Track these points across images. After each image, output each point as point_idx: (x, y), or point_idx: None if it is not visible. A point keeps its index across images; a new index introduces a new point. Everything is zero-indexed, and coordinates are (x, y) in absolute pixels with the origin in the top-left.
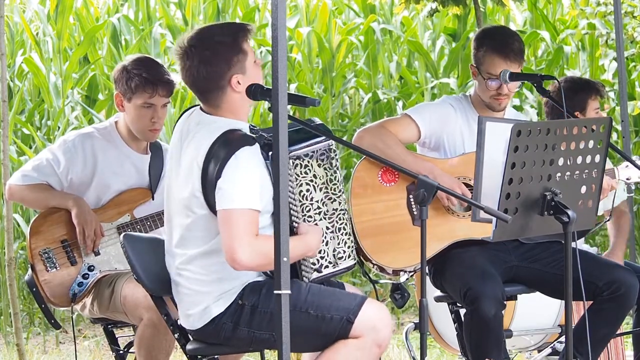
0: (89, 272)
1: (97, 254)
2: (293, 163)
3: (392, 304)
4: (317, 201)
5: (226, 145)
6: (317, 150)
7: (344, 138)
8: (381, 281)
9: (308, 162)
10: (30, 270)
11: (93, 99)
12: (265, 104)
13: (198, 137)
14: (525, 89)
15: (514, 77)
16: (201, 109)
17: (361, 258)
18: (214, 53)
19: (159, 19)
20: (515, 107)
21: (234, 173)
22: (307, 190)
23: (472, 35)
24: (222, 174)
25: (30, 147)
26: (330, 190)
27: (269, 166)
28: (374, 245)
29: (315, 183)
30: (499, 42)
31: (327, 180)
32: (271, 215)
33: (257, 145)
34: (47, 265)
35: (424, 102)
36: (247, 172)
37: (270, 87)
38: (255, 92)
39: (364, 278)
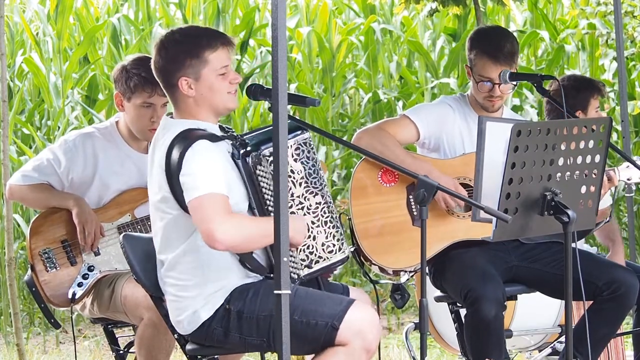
0: (89, 272)
1: (97, 254)
2: (267, 161)
3: (392, 304)
4: (299, 196)
5: (184, 141)
6: (290, 146)
7: (344, 138)
8: (381, 281)
9: (287, 162)
10: (30, 271)
11: (93, 99)
12: (266, 104)
13: (162, 140)
14: (525, 89)
15: (514, 77)
16: (169, 115)
17: (361, 259)
18: (170, 50)
19: (159, 19)
20: (515, 107)
21: (192, 163)
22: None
23: None
24: (182, 166)
25: (30, 147)
26: (311, 184)
27: (240, 165)
28: (374, 246)
29: (294, 178)
30: (490, 45)
31: (305, 174)
32: (248, 211)
33: (220, 143)
34: (47, 265)
35: (423, 103)
36: (205, 160)
37: (270, 87)
38: (255, 92)
39: (364, 278)
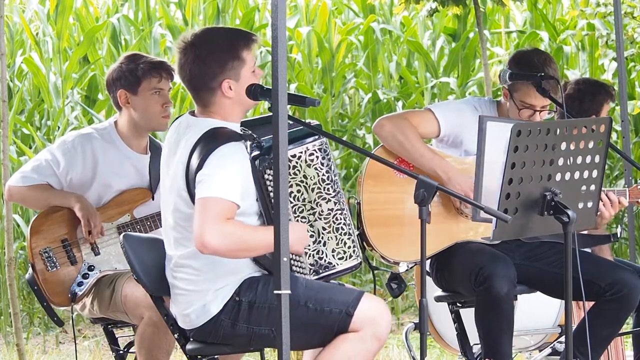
0: (89, 272)
1: (97, 253)
2: None
3: (392, 304)
4: (310, 202)
5: (212, 140)
6: (305, 151)
7: (344, 138)
8: (381, 268)
9: (296, 162)
10: (30, 270)
11: (93, 99)
12: (265, 104)
13: (186, 138)
14: None
15: (514, 77)
16: (191, 114)
17: (364, 244)
18: (209, 54)
19: (159, 19)
20: None
21: (215, 164)
22: (298, 192)
23: (471, 35)
24: (204, 166)
25: (30, 147)
26: (324, 190)
27: (255, 165)
28: (380, 234)
29: (306, 184)
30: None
31: (318, 180)
32: (259, 216)
33: (242, 143)
34: (48, 264)
35: (449, 100)
36: (229, 165)
37: (270, 87)
38: (255, 92)
39: (364, 278)
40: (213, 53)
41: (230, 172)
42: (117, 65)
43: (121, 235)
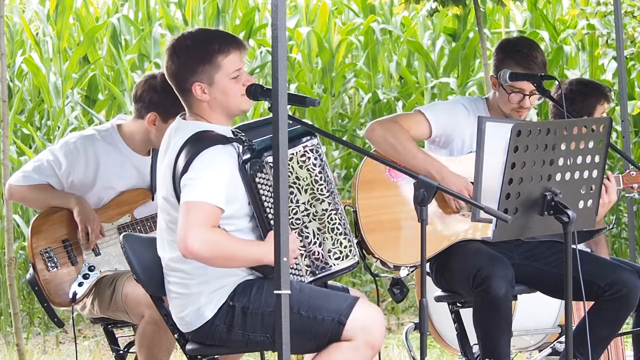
0: (90, 272)
1: (97, 254)
2: (270, 168)
3: (392, 304)
4: (304, 203)
5: (197, 143)
6: (296, 153)
7: (344, 138)
8: (382, 275)
9: (288, 164)
10: (31, 270)
11: (93, 99)
12: (266, 104)
13: (174, 141)
14: None
15: (514, 77)
16: (182, 117)
17: (364, 252)
18: (182, 56)
19: (159, 19)
20: None
21: (199, 168)
22: (291, 193)
23: (471, 35)
24: (189, 169)
25: (30, 147)
26: (317, 191)
27: (245, 169)
28: (378, 240)
29: (299, 185)
30: (523, 56)
31: (311, 181)
32: (250, 218)
33: (230, 146)
34: (48, 264)
35: (438, 101)
36: (212, 169)
37: (270, 87)
38: (255, 92)
39: (364, 278)
40: (185, 55)
41: (215, 176)
42: (156, 84)
43: (121, 236)
